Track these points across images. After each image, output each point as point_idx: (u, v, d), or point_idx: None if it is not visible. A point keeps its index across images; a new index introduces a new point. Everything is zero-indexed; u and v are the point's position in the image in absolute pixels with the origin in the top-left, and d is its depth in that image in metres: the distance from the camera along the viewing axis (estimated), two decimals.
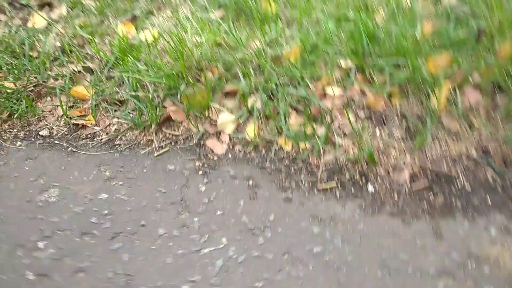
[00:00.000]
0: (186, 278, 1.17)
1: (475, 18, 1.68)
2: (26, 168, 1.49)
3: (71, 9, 2.06)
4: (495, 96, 1.53)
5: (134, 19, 2.01)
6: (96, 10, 2.03)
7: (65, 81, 1.72)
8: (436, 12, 1.77)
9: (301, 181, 1.42)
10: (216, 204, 1.36)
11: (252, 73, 1.68)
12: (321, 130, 1.53)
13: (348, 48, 1.70)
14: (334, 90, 1.62)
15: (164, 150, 1.55)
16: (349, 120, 1.52)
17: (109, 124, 1.63)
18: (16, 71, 1.73)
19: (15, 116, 1.65)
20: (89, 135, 1.61)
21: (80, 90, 1.69)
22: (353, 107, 1.59)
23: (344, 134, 1.54)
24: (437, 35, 1.68)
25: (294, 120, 1.58)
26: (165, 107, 1.66)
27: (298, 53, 1.71)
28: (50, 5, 2.11)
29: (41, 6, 2.11)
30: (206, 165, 1.49)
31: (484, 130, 1.47)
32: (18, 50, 1.82)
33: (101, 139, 1.59)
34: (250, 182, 1.42)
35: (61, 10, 2.06)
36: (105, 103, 1.68)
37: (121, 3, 2.06)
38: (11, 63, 1.77)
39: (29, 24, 2.00)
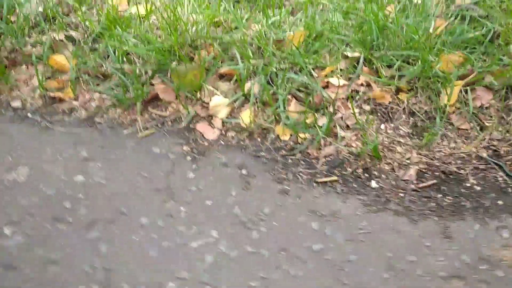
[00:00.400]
0: (172, 274, 1.03)
1: (490, 21, 1.59)
2: None
3: None
4: (508, 99, 1.44)
5: None
6: None
7: (43, 49, 1.54)
8: (449, 12, 1.68)
9: (299, 173, 1.30)
10: (205, 193, 1.22)
11: (251, 55, 1.54)
12: (322, 121, 1.40)
13: (356, 38, 1.58)
14: (338, 80, 1.50)
15: (150, 131, 1.40)
16: (353, 112, 1.40)
17: (90, 100, 1.47)
18: None
19: None
20: (66, 110, 1.45)
21: (59, 59, 1.52)
22: (357, 99, 1.48)
23: (347, 127, 1.42)
24: (450, 34, 1.58)
25: (294, 108, 1.46)
26: (153, 84, 1.51)
27: (302, 38, 1.58)
28: None
29: None
30: (195, 150, 1.35)
31: (495, 132, 1.38)
32: None
33: (79, 115, 1.43)
34: (243, 171, 1.29)
35: None
36: (87, 75, 1.51)
37: None
38: None
39: None
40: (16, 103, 1.44)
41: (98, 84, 1.49)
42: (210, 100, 1.47)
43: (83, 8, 1.68)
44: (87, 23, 1.61)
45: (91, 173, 1.25)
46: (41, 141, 1.33)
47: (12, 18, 1.66)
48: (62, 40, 1.60)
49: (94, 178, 1.24)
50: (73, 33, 1.62)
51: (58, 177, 1.23)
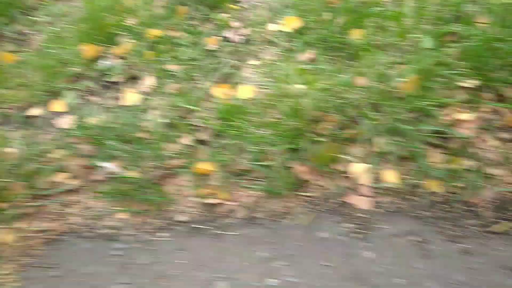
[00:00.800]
0: None
1: None
2: (180, 261, 1.41)
3: (158, 78, 1.97)
4: None
5: (224, 78, 1.91)
6: (183, 75, 1.93)
7: (183, 159, 1.63)
8: None
9: (468, 226, 1.29)
10: (390, 271, 1.25)
11: (371, 113, 1.54)
12: (467, 162, 1.38)
13: (468, 65, 1.53)
14: (465, 115, 1.46)
15: (316, 216, 1.44)
16: (495, 145, 1.36)
17: (242, 197, 1.54)
18: (132, 158, 1.65)
19: (148, 206, 1.57)
20: (226, 213, 1.52)
21: (201, 166, 1.60)
22: (492, 129, 1.43)
23: (495, 162, 1.38)
24: None
25: (434, 157, 1.44)
26: (291, 167, 1.55)
27: (415, 82, 1.55)
28: (135, 78, 2.03)
29: (128, 81, 2.04)
30: (358, 226, 1.38)
31: None
32: (124, 134, 1.74)
33: (239, 215, 1.50)
34: (414, 238, 1.30)
35: (148, 81, 1.97)
36: (230, 174, 1.58)
37: (205, 63, 1.96)
38: (123, 149, 1.70)
39: (123, 102, 1.92)
40: (180, 217, 1.53)
41: (243, 181, 1.55)
42: (350, 169, 1.48)
43: (196, 107, 1.75)
44: (208, 122, 1.68)
45: (280, 274, 1.31)
46: (220, 250, 1.41)
47: (140, 134, 1.76)
48: (193, 145, 1.67)
49: (284, 278, 1.30)
50: (200, 136, 1.69)
51: (254, 285, 1.30)
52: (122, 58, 2.13)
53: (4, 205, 1.61)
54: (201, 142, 1.69)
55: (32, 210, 1.63)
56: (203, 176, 1.60)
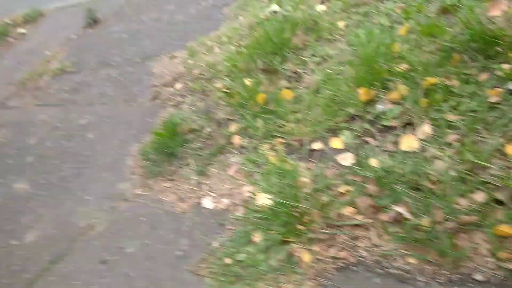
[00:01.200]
0: None
1: None
2: None
3: (435, 127, 2.01)
4: None
5: None
6: (464, 127, 1.92)
7: (477, 216, 1.62)
8: None
9: None
10: None
11: None
12: None
13: None
14: None
15: None
16: None
17: None
18: (421, 205, 1.73)
19: (440, 256, 1.62)
20: None
21: (500, 227, 1.56)
22: None
23: None
24: None
25: None
26: None
27: None
28: (411, 124, 2.12)
29: (404, 126, 2.14)
30: None
31: None
32: (410, 180, 1.84)
33: None
34: None
35: (425, 129, 2.04)
36: None
37: (488, 116, 1.91)
38: (410, 195, 1.79)
39: (401, 147, 2.03)
40: (478, 276, 1.52)
41: None
42: None
43: (492, 166, 1.71)
44: (508, 182, 1.63)
45: None
46: None
47: (426, 183, 1.81)
48: (488, 204, 1.64)
49: None
50: (498, 195, 1.65)
51: None
52: (396, 103, 2.27)
53: (302, 228, 1.92)
54: (498, 201, 1.67)
55: (325, 237, 1.88)
56: (503, 238, 1.57)
